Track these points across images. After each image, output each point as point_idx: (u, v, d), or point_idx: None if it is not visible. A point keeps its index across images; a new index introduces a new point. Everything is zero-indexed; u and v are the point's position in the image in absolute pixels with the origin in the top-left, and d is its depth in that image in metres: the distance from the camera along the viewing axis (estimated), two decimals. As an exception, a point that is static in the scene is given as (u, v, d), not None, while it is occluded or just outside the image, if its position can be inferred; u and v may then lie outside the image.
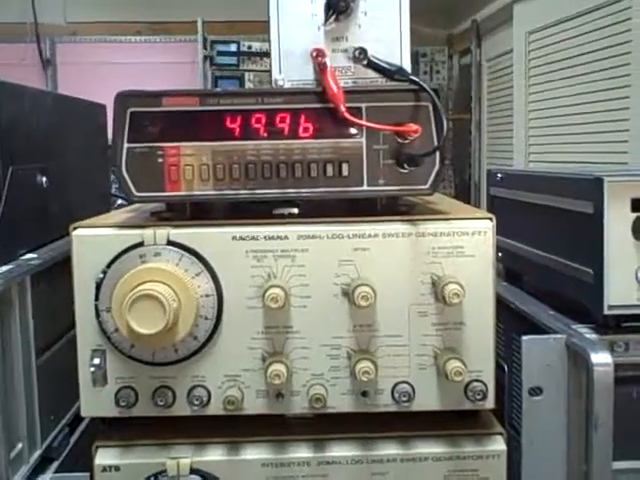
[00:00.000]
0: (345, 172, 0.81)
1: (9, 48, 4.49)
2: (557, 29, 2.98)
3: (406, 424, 0.86)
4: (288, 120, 0.81)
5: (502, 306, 0.94)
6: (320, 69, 0.83)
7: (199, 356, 0.82)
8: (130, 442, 0.85)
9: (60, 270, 0.92)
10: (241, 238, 0.81)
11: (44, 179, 0.97)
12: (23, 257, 0.90)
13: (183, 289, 0.78)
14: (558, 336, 0.85)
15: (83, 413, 0.84)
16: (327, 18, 0.85)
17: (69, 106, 1.18)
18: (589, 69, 2.70)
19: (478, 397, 0.82)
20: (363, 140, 0.81)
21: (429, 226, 0.82)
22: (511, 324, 0.98)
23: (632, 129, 2.38)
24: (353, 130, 0.81)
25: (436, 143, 0.81)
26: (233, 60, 4.59)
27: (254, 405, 0.83)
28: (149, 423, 0.85)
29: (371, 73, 0.85)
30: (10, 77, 0.91)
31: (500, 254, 1.10)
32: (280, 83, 0.86)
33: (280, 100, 0.81)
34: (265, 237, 0.81)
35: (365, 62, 0.84)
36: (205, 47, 4.63)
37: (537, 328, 0.91)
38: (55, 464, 0.90)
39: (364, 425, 0.86)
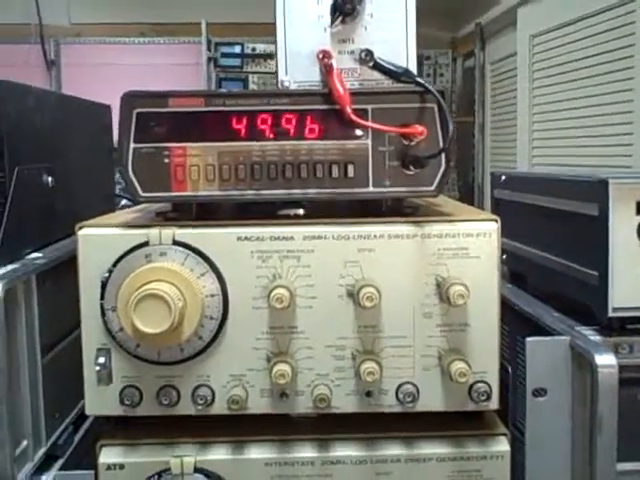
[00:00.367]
0: (351, 173, 0.81)
1: (13, 49, 4.50)
2: (561, 32, 2.98)
3: (410, 425, 0.86)
4: (294, 121, 0.81)
5: (506, 308, 0.94)
6: (326, 70, 0.83)
7: (204, 356, 0.82)
8: (134, 441, 0.85)
9: (65, 269, 0.92)
10: (246, 238, 0.82)
11: (50, 179, 0.97)
12: (29, 256, 0.91)
13: (188, 289, 0.78)
14: (562, 338, 0.85)
15: (88, 411, 0.84)
16: (333, 20, 0.85)
17: (74, 106, 1.19)
18: (593, 72, 2.70)
19: (482, 398, 0.83)
20: (369, 142, 0.81)
21: (434, 227, 0.82)
22: (515, 326, 0.98)
23: (636, 132, 2.39)
24: (359, 131, 0.81)
25: (442, 145, 0.81)
26: (237, 62, 4.60)
27: (258, 405, 0.83)
28: (153, 422, 0.85)
29: (377, 75, 0.85)
30: (14, 78, 0.91)
31: (504, 256, 1.10)
32: (286, 84, 0.86)
33: (286, 101, 0.81)
34: (270, 237, 0.82)
35: (371, 64, 0.85)
36: (209, 49, 4.63)
37: (541, 330, 0.91)
38: (59, 462, 0.90)
39: (368, 425, 0.86)
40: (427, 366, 0.83)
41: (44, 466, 0.88)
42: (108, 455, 0.84)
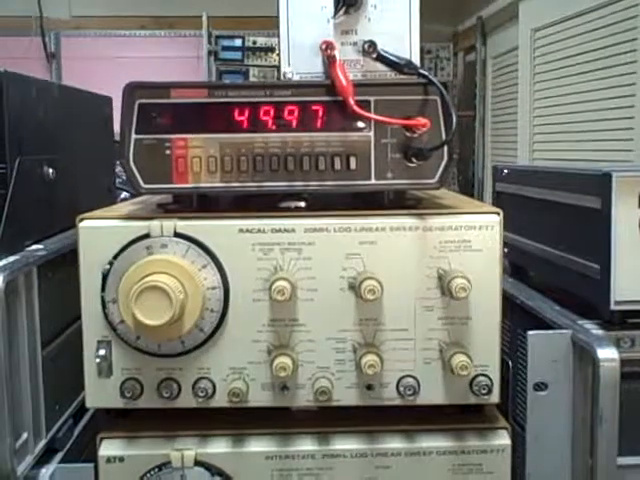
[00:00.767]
0: (353, 165, 0.81)
1: (14, 42, 4.49)
2: (563, 26, 2.97)
3: (411, 418, 0.86)
4: (296, 113, 0.81)
5: (507, 301, 0.94)
6: (329, 62, 0.83)
7: (205, 348, 0.82)
8: (135, 433, 0.85)
9: (66, 261, 0.92)
10: (248, 231, 0.81)
11: (51, 170, 0.97)
12: (29, 248, 0.90)
13: (190, 281, 0.78)
14: (564, 331, 0.85)
15: (88, 404, 0.84)
16: (337, 11, 0.85)
17: (75, 98, 1.18)
18: (594, 67, 2.69)
19: (483, 391, 0.83)
20: (371, 134, 0.81)
21: (436, 220, 0.82)
22: (516, 319, 0.98)
23: (637, 127, 2.38)
24: (361, 123, 0.81)
25: (444, 137, 0.81)
26: (238, 55, 4.59)
27: (259, 398, 0.83)
28: (154, 415, 0.85)
29: (380, 66, 0.85)
30: (14, 70, 0.91)
31: (506, 249, 1.10)
32: (289, 75, 0.85)
33: (289, 93, 0.81)
34: (272, 230, 0.81)
35: (374, 55, 0.84)
36: (210, 42, 4.62)
37: (542, 323, 0.91)
38: (59, 455, 0.90)
39: (369, 418, 0.86)
40: (428, 359, 0.83)
41: (44, 459, 0.87)
42: (108, 448, 0.84)
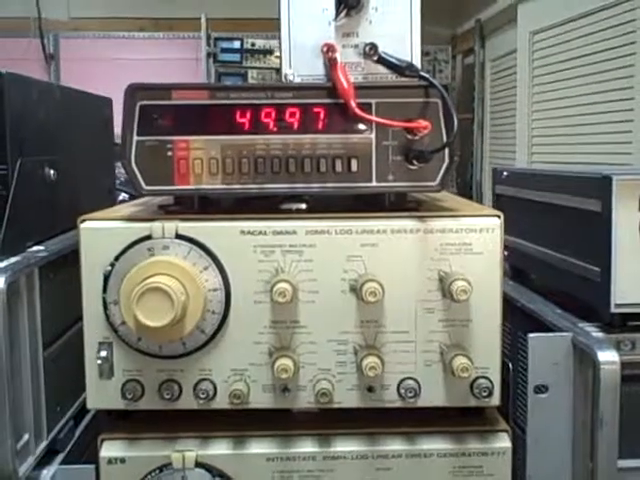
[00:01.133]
0: (354, 168, 0.81)
1: (12, 43, 4.49)
2: (561, 29, 2.98)
3: (411, 420, 0.86)
4: (298, 115, 0.81)
5: (507, 304, 0.94)
6: (330, 64, 0.83)
7: (206, 350, 0.82)
8: (136, 435, 0.85)
9: (67, 263, 0.92)
10: (249, 232, 0.81)
11: (52, 172, 0.97)
12: (31, 249, 0.90)
13: (191, 282, 0.78)
14: (564, 334, 0.85)
15: (89, 405, 0.84)
16: (338, 13, 0.85)
17: (76, 99, 1.18)
18: (593, 70, 2.70)
19: (484, 394, 0.83)
20: (372, 136, 0.81)
21: (437, 223, 0.82)
22: (516, 322, 0.98)
23: (635, 130, 2.38)
24: (362, 126, 0.81)
25: (445, 139, 0.81)
26: (236, 57, 4.58)
27: (260, 399, 0.83)
28: (155, 416, 0.85)
29: (381, 69, 0.85)
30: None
31: (506, 252, 1.10)
32: (290, 78, 0.86)
33: (290, 95, 0.81)
34: (273, 232, 0.81)
35: (375, 58, 0.84)
36: (208, 44, 4.62)
37: (543, 326, 0.91)
38: (60, 456, 0.90)
39: (370, 420, 0.86)
40: (429, 361, 0.83)
41: (45, 460, 0.87)
42: (109, 449, 0.84)
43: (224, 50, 4.61)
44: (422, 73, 0.82)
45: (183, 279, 0.77)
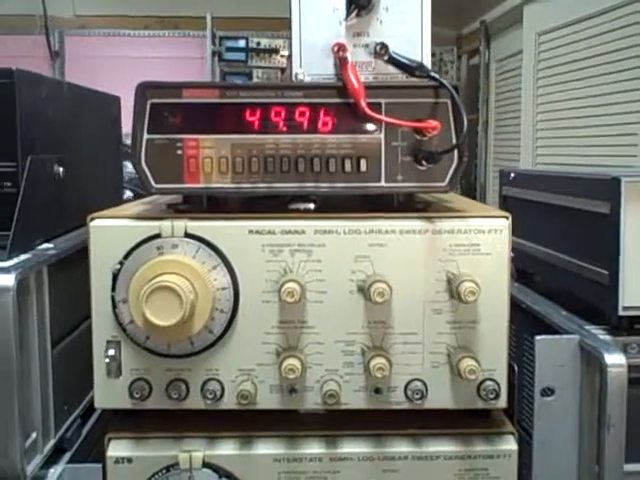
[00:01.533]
0: (363, 168, 0.81)
1: (18, 40, 4.49)
2: (567, 31, 2.97)
3: (418, 422, 0.86)
4: (308, 114, 0.81)
5: (513, 306, 0.94)
6: (341, 64, 0.83)
7: (214, 349, 0.82)
8: (143, 434, 0.85)
9: (76, 261, 0.91)
10: (258, 232, 0.81)
11: (61, 169, 0.96)
12: (40, 247, 0.90)
13: (200, 282, 0.78)
14: (571, 337, 0.85)
15: (97, 404, 0.84)
16: (349, 13, 0.85)
17: (85, 97, 1.18)
18: (598, 71, 2.69)
19: (491, 396, 0.82)
20: (382, 136, 0.81)
21: (445, 223, 0.82)
22: (522, 324, 0.98)
23: (641, 132, 2.38)
24: (372, 126, 0.81)
25: (455, 140, 0.81)
26: (242, 56, 4.57)
27: (267, 400, 0.83)
28: (162, 416, 0.85)
29: (391, 69, 0.85)
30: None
31: (512, 254, 1.10)
32: (300, 77, 0.85)
33: (300, 94, 0.81)
34: (282, 231, 0.81)
35: (386, 58, 0.84)
36: (214, 43, 4.61)
37: (549, 328, 0.91)
38: (67, 455, 0.90)
39: (376, 422, 0.86)
40: (436, 363, 0.83)
41: (52, 459, 0.87)
42: (116, 448, 0.84)
43: (229, 49, 4.60)
44: (432, 73, 0.82)
45: (192, 278, 0.77)
